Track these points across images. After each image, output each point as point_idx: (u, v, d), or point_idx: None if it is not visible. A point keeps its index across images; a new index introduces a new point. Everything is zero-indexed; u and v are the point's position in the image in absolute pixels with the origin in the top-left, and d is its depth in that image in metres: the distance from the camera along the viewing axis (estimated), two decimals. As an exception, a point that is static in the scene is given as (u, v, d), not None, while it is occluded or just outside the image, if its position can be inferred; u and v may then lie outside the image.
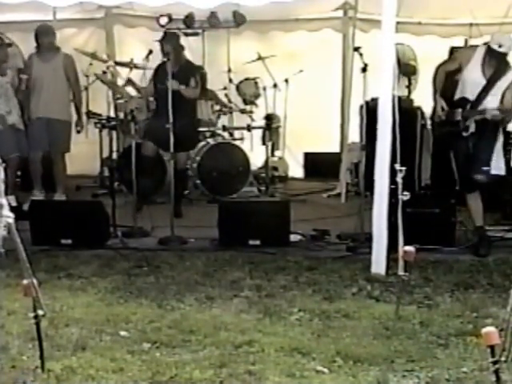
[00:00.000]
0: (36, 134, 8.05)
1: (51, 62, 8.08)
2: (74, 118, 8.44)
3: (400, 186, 5.02)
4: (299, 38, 10.25)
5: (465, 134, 6.33)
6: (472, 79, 6.31)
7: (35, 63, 8.07)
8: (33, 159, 8.23)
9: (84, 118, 8.68)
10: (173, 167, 7.27)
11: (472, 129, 6.30)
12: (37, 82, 8.02)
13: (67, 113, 8.25)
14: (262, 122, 9.43)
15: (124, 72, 8.89)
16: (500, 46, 6.20)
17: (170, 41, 7.79)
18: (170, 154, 7.08)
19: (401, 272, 4.79)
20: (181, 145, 7.25)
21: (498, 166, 6.34)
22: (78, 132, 8.44)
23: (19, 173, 9.02)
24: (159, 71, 7.89)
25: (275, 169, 9.91)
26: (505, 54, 6.25)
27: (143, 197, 7.56)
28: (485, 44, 6.41)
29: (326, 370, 3.99)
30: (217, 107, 9.34)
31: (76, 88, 8.34)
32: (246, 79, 9.54)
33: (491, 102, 6.24)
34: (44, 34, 8.03)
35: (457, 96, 6.43)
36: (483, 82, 6.26)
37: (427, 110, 8.69)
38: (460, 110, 6.34)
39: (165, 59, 7.71)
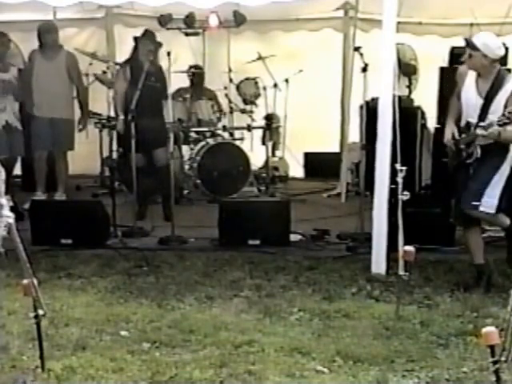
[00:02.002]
0: (40, 133, 8.04)
1: (54, 61, 8.06)
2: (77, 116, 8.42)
3: (400, 186, 5.02)
4: (300, 37, 10.24)
5: (469, 160, 5.46)
6: (469, 101, 5.49)
7: (37, 61, 8.05)
8: (38, 158, 8.22)
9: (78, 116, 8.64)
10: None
11: (477, 154, 5.42)
12: (39, 80, 8.01)
13: (70, 111, 8.23)
14: (262, 122, 9.44)
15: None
16: None
17: (152, 38, 7.68)
18: (170, 153, 7.08)
19: (401, 272, 4.79)
20: (155, 141, 7.21)
21: (489, 203, 5.35)
22: (80, 130, 8.42)
23: (19, 173, 9.06)
24: (134, 69, 7.57)
25: (275, 169, 9.90)
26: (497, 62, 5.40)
27: (143, 201, 7.55)
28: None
29: (325, 370, 4.00)
30: (217, 107, 9.34)
31: (80, 86, 8.32)
32: (246, 79, 9.53)
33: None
34: (47, 32, 8.02)
35: (462, 122, 5.59)
36: (480, 101, 5.43)
37: (428, 109, 8.72)
38: (463, 137, 5.51)
39: (128, 58, 7.67)
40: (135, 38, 7.74)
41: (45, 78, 8.00)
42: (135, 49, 7.68)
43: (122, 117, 7.52)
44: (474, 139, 5.38)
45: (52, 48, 8.08)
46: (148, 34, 7.70)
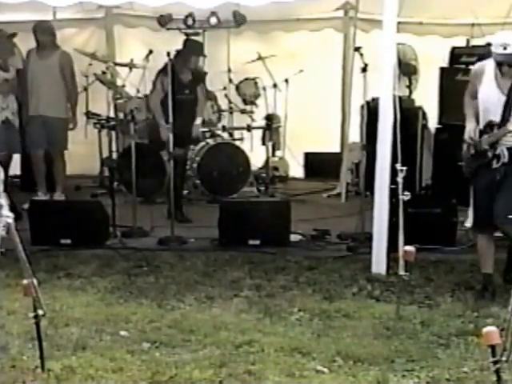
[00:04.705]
0: (34, 132, 8.04)
1: (48, 60, 8.05)
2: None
3: (401, 186, 5.01)
4: (300, 37, 10.23)
5: (495, 165, 5.11)
6: (489, 98, 5.13)
7: (32, 59, 8.07)
8: (34, 158, 8.23)
9: (78, 116, 8.59)
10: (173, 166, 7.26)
11: (504, 158, 5.08)
12: (33, 79, 8.01)
13: (63, 110, 8.18)
14: (262, 122, 9.43)
15: (124, 72, 8.90)
16: (505, 48, 4.96)
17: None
18: (169, 153, 7.08)
19: (401, 272, 4.78)
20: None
21: None
22: (71, 129, 8.39)
23: (19, 173, 9.05)
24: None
25: (275, 169, 9.90)
26: None
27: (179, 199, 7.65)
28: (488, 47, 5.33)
29: (325, 370, 3.99)
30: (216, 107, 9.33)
31: (72, 86, 8.23)
32: (246, 79, 9.52)
33: None
34: (41, 32, 8.02)
35: (482, 123, 5.21)
36: (503, 98, 5.08)
37: (428, 110, 8.71)
38: (486, 137, 5.15)
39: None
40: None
41: (38, 77, 7.99)
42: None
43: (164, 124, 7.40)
44: (500, 139, 5.09)
45: (47, 48, 8.07)
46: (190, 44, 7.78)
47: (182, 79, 7.49)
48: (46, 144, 8.16)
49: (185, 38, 7.91)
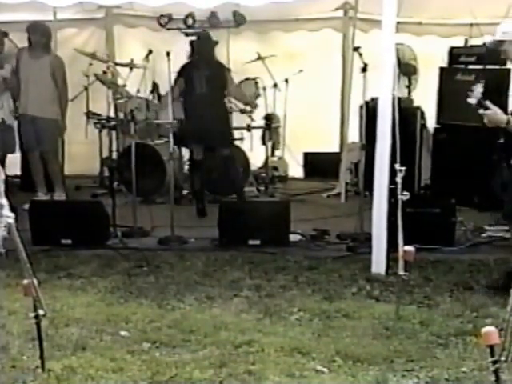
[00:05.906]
0: (26, 133, 8.02)
1: (39, 61, 8.02)
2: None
3: (400, 186, 5.02)
4: (299, 37, 10.23)
5: None
6: None
7: (24, 58, 8.06)
8: (31, 160, 8.24)
9: (78, 116, 8.57)
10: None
11: None
12: (24, 78, 8.01)
13: (52, 111, 8.12)
14: (262, 122, 9.43)
15: (124, 72, 8.90)
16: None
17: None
18: (169, 153, 7.09)
19: (401, 272, 4.79)
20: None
21: None
22: (60, 133, 8.38)
23: (19, 173, 9.06)
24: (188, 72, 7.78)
25: (275, 169, 9.90)
26: None
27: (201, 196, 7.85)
28: None
29: (325, 370, 4.00)
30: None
31: (62, 91, 8.18)
32: (246, 79, 9.52)
33: None
34: (33, 33, 8.01)
35: None
36: None
37: (427, 109, 8.72)
38: None
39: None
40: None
41: (28, 76, 7.98)
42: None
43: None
44: None
45: (39, 49, 8.06)
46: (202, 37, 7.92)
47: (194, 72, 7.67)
48: (37, 145, 8.15)
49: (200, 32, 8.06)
